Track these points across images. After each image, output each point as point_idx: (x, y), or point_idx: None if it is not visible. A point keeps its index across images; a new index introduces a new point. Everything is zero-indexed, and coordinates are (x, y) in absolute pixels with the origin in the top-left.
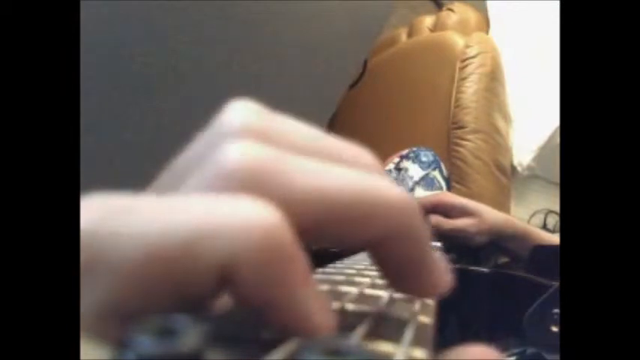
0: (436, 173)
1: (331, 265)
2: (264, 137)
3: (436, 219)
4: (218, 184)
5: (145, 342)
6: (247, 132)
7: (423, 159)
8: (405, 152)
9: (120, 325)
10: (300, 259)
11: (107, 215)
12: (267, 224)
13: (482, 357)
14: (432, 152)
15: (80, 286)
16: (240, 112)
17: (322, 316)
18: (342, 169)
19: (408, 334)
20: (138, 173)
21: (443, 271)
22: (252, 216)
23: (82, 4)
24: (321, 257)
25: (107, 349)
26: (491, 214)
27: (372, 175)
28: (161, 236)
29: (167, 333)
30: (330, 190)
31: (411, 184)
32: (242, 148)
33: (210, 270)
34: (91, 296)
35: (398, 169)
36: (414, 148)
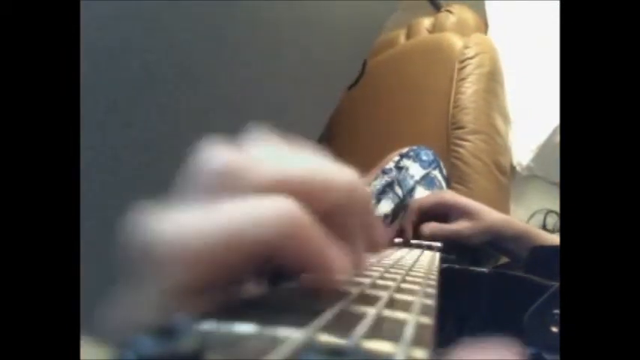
0: (436, 172)
1: None
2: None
3: (430, 228)
4: (201, 186)
5: (145, 342)
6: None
7: (424, 158)
8: (405, 151)
9: (185, 303)
10: (316, 226)
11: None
12: (289, 210)
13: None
14: (432, 151)
15: (152, 272)
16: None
17: (341, 261)
18: (300, 156)
19: (408, 333)
20: (143, 169)
21: (382, 232)
22: (277, 208)
23: (87, 2)
24: None
25: (107, 349)
26: (490, 215)
27: (325, 160)
28: (205, 237)
29: (167, 333)
30: (289, 174)
31: (412, 183)
32: (214, 153)
33: (257, 251)
34: (162, 280)
35: (398, 167)
36: (414, 147)
